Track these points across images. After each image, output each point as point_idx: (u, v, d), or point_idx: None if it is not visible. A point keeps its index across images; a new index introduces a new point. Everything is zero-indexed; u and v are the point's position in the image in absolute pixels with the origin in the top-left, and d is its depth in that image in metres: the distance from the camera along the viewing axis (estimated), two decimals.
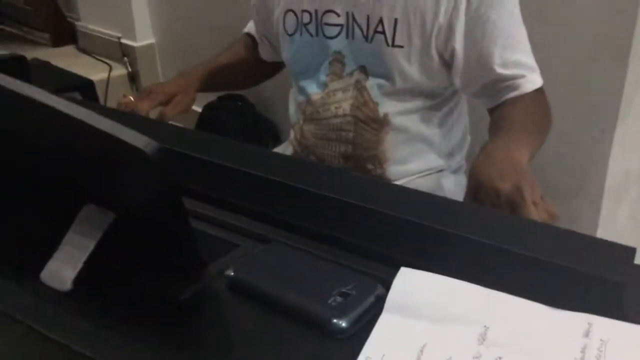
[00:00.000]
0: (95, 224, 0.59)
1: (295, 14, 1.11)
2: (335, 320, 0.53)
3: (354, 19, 1.05)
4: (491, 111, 1.06)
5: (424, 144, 1.14)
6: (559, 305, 0.53)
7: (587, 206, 1.51)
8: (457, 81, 1.06)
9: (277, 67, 1.33)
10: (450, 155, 1.17)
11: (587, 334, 0.50)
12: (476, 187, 0.80)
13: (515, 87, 1.02)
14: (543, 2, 1.40)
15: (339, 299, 0.54)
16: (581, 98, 1.43)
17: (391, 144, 1.11)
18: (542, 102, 1.04)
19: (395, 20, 1.02)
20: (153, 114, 1.19)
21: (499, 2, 1.00)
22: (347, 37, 1.07)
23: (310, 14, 1.09)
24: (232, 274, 0.59)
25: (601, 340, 0.49)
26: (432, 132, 1.13)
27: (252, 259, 0.61)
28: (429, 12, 1.01)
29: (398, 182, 1.14)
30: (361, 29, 1.05)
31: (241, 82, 1.36)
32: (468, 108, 1.20)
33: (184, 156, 0.75)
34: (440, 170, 1.17)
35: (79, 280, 0.58)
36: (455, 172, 1.20)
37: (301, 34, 1.11)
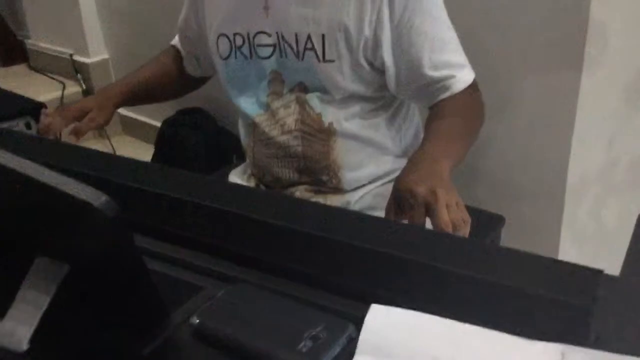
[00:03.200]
0: (49, 277, 0.56)
1: (228, 38, 1.11)
2: None
3: (283, 38, 1.06)
4: (429, 109, 1.09)
5: (375, 148, 1.14)
6: (529, 333, 0.52)
7: (550, 206, 1.52)
8: (391, 87, 1.07)
9: (201, 80, 1.35)
10: (404, 155, 1.18)
11: None
12: (396, 192, 0.85)
13: (447, 88, 1.04)
14: (498, 8, 1.41)
15: (309, 343, 0.53)
16: (539, 99, 1.45)
17: (342, 152, 1.11)
18: (473, 99, 1.07)
19: (323, 36, 1.03)
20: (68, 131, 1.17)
21: (420, 8, 1.01)
22: (280, 56, 1.08)
23: (243, 37, 1.10)
24: (197, 321, 0.56)
25: None
26: (381, 134, 1.14)
27: (216, 304, 0.59)
28: (353, 26, 1.02)
29: (358, 192, 1.14)
30: (292, 48, 1.06)
31: (164, 95, 1.37)
32: (420, 107, 1.21)
33: (140, 192, 0.73)
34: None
35: (35, 338, 0.55)
36: None
37: (235, 57, 1.12)
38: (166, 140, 2.17)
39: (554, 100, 1.43)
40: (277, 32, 1.06)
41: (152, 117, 2.42)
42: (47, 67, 2.63)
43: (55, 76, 2.57)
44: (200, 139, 2.14)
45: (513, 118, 1.48)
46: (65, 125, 1.15)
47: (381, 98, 1.12)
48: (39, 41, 2.68)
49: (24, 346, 0.54)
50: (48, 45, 2.64)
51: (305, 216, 0.67)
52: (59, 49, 2.60)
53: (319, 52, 1.04)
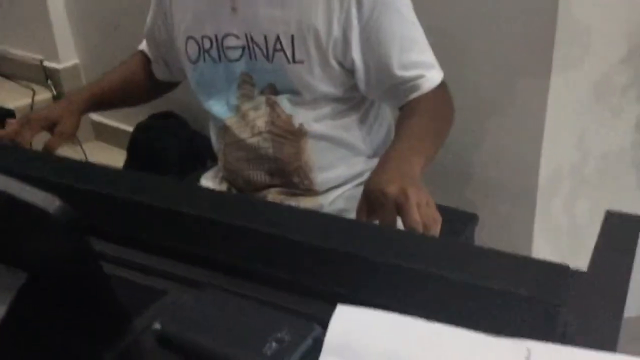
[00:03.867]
0: (6, 285, 0.54)
1: (196, 41, 1.10)
2: None
3: (252, 40, 1.05)
4: (399, 109, 1.08)
5: (346, 149, 1.14)
6: (497, 330, 0.52)
7: (523, 203, 1.53)
8: (361, 87, 1.07)
9: (171, 85, 1.33)
10: (376, 156, 1.17)
11: None
12: (367, 193, 0.85)
13: (416, 88, 1.04)
14: (467, 6, 1.42)
15: (274, 345, 0.52)
16: (509, 96, 1.46)
17: (312, 153, 1.11)
18: (442, 99, 1.07)
19: (292, 36, 1.02)
20: (37, 143, 1.15)
21: (388, 8, 1.01)
22: (249, 58, 1.07)
23: (211, 40, 1.08)
24: (160, 327, 0.55)
25: None
26: (351, 135, 1.14)
27: (179, 309, 0.57)
28: (322, 27, 1.01)
29: (331, 194, 1.14)
30: (261, 49, 1.05)
31: (132, 100, 1.34)
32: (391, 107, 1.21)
33: (100, 196, 0.71)
34: None
35: None
36: None
37: (204, 60, 1.11)
38: (139, 145, 2.14)
39: (525, 97, 1.44)
40: (245, 34, 1.05)
41: (124, 122, 2.39)
42: (17, 73, 2.58)
43: (25, 82, 2.52)
44: (173, 144, 2.12)
45: (484, 116, 1.49)
46: (32, 136, 1.13)
47: (352, 99, 1.11)
48: (8, 47, 2.64)
49: None
50: (17, 52, 2.60)
51: (270, 218, 0.67)
52: (28, 54, 2.56)
53: (289, 53, 1.03)
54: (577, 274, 0.58)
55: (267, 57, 1.05)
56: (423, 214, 0.79)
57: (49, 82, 2.49)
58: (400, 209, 0.80)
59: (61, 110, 1.17)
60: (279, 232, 0.63)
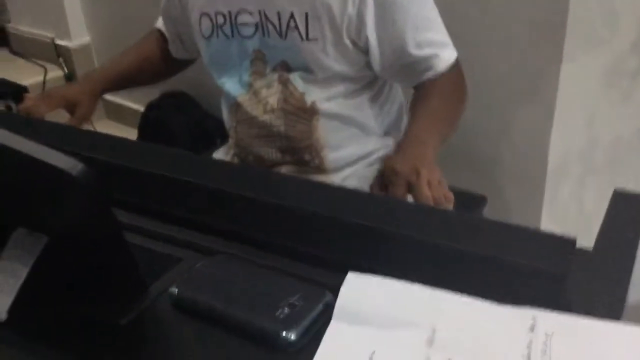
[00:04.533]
0: (28, 248, 0.56)
1: (210, 17, 1.10)
2: (284, 333, 0.52)
3: (266, 16, 1.05)
4: (414, 88, 1.09)
5: (357, 128, 1.15)
6: (504, 300, 0.53)
7: (531, 188, 1.54)
8: (375, 67, 1.07)
9: (186, 62, 1.33)
10: (386, 135, 1.18)
11: (532, 329, 0.50)
12: (382, 172, 0.89)
13: (431, 67, 1.05)
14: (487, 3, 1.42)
15: (286, 310, 0.53)
16: (520, 80, 1.46)
17: (324, 131, 1.11)
18: (456, 78, 1.08)
19: (306, 14, 1.02)
20: (51, 117, 1.16)
21: None
22: (262, 35, 1.07)
23: (224, 16, 1.09)
24: (176, 292, 0.57)
25: (546, 334, 0.50)
26: (363, 114, 1.14)
27: (195, 274, 0.59)
28: (336, 5, 1.01)
29: (341, 173, 1.15)
30: (274, 26, 1.05)
31: (149, 78, 1.35)
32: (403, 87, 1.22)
33: (118, 167, 0.73)
34: (383, 158, 1.18)
35: (14, 308, 0.55)
36: None
37: (217, 36, 1.11)
38: (150, 124, 2.16)
39: (536, 81, 1.44)
40: (259, 11, 1.06)
41: (135, 101, 2.41)
42: (29, 51, 2.60)
43: (37, 60, 2.54)
44: (184, 123, 2.14)
45: (494, 100, 1.49)
46: (49, 111, 1.14)
47: (364, 78, 1.12)
48: (21, 25, 2.65)
49: (3, 316, 0.55)
50: (29, 29, 2.61)
51: (283, 190, 0.68)
52: (40, 32, 2.57)
53: (302, 31, 1.03)
54: (582, 252, 0.59)
55: (280, 34, 1.05)
56: (434, 192, 0.83)
57: (61, 60, 2.51)
58: (411, 185, 0.83)
59: (81, 92, 1.18)
60: (291, 203, 0.64)
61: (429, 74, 1.05)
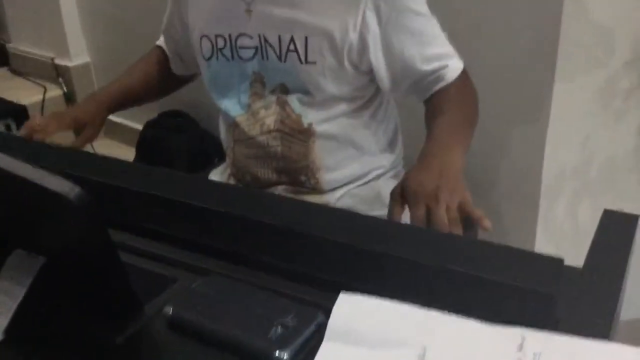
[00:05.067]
0: (25, 269, 0.57)
1: (210, 40, 1.12)
2: (277, 353, 0.53)
3: (266, 40, 1.07)
4: (425, 102, 1.10)
5: (354, 148, 1.16)
6: (494, 319, 0.54)
7: (525, 205, 1.55)
8: (384, 86, 1.09)
9: (187, 79, 1.35)
10: (382, 154, 1.19)
11: (520, 348, 0.51)
12: (404, 187, 0.88)
13: (441, 78, 1.06)
14: (476, 9, 1.44)
15: (279, 330, 0.54)
16: (514, 99, 1.48)
17: (320, 153, 1.13)
18: (467, 85, 1.09)
19: (306, 38, 1.04)
20: (59, 139, 1.17)
21: (406, 8, 1.03)
22: (262, 58, 1.09)
23: (225, 39, 1.10)
24: (171, 312, 0.58)
25: (534, 353, 0.51)
26: (360, 134, 1.15)
27: (190, 295, 0.60)
28: (337, 31, 1.03)
29: (336, 193, 1.16)
30: (274, 50, 1.07)
31: (152, 96, 1.36)
32: (398, 104, 1.23)
33: (115, 188, 0.74)
34: (378, 177, 1.19)
35: (11, 328, 0.56)
36: (393, 176, 1.22)
37: (217, 59, 1.13)
38: (147, 143, 2.17)
39: (529, 100, 1.46)
40: (259, 35, 1.07)
41: (133, 120, 2.42)
42: (29, 70, 2.62)
43: (36, 80, 2.56)
44: (182, 142, 2.15)
45: (488, 118, 1.50)
46: (59, 131, 1.14)
47: (361, 98, 1.13)
48: (21, 45, 2.67)
49: (0, 336, 0.56)
50: (29, 49, 2.64)
51: (277, 211, 0.69)
52: (40, 52, 2.59)
53: (302, 54, 1.05)
54: (572, 270, 0.60)
55: (279, 57, 1.06)
56: (450, 216, 0.82)
57: (60, 79, 2.53)
58: (429, 210, 0.83)
59: (90, 112, 1.19)
60: (285, 224, 0.65)
61: (440, 85, 1.06)
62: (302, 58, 1.05)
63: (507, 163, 1.54)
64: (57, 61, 2.53)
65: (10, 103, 1.82)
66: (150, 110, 2.23)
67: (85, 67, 2.53)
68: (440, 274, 0.58)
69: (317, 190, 1.16)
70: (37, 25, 2.57)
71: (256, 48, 1.08)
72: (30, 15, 2.56)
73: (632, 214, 0.71)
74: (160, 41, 1.31)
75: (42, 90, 2.48)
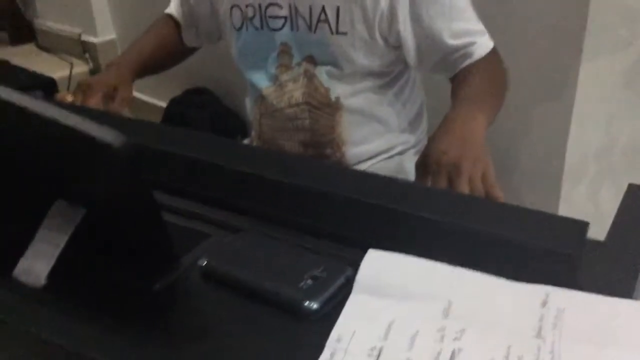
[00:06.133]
0: (67, 219, 0.59)
1: (240, 9, 1.13)
2: (307, 303, 0.55)
3: (296, 10, 1.07)
4: (451, 79, 1.09)
5: (379, 124, 1.17)
6: (518, 279, 0.56)
7: (547, 187, 1.55)
8: (411, 60, 1.08)
9: (193, 50, 1.35)
10: (407, 131, 1.20)
11: (544, 304, 0.53)
12: (425, 157, 0.86)
13: (469, 55, 1.05)
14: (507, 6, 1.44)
15: (309, 282, 0.56)
16: (539, 80, 1.47)
17: (347, 127, 1.14)
18: (496, 63, 1.08)
19: (337, 8, 1.04)
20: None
21: None
22: (291, 28, 1.09)
23: (254, 8, 1.11)
24: (205, 263, 0.60)
25: (558, 309, 0.52)
26: (385, 110, 1.16)
27: (224, 248, 0.62)
28: (369, 0, 1.02)
29: (360, 166, 1.17)
30: (304, 20, 1.07)
31: (167, 65, 1.35)
32: (424, 83, 1.23)
33: (151, 150, 0.76)
34: (402, 153, 1.20)
35: (52, 275, 0.58)
36: (417, 152, 1.23)
37: (247, 28, 1.13)
38: (172, 120, 2.20)
39: (554, 81, 1.45)
40: (289, 4, 1.08)
41: (158, 97, 2.45)
42: (55, 46, 2.66)
43: (63, 55, 2.59)
44: (205, 119, 2.17)
45: (511, 100, 1.50)
46: (96, 101, 1.13)
47: (389, 74, 1.13)
48: (47, 21, 2.71)
49: (42, 281, 0.58)
50: (56, 25, 2.67)
51: (307, 172, 0.71)
52: (67, 28, 2.62)
53: (332, 24, 1.05)
54: (595, 242, 0.61)
55: (310, 27, 1.07)
56: (473, 187, 0.80)
57: (87, 55, 2.56)
58: (451, 180, 0.81)
59: (118, 77, 1.18)
60: (315, 185, 0.67)
61: (467, 62, 1.05)
62: (333, 28, 1.05)
63: (530, 144, 1.54)
64: (84, 37, 2.56)
65: (39, 76, 1.85)
66: (175, 87, 2.25)
67: (111, 43, 2.56)
68: (466, 234, 0.60)
69: (341, 163, 1.18)
70: (64, 1, 2.60)
71: (285, 18, 1.09)
72: None
73: None
74: (172, 9, 1.30)
75: (69, 66, 2.51)
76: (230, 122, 2.20)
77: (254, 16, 1.12)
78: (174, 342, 0.54)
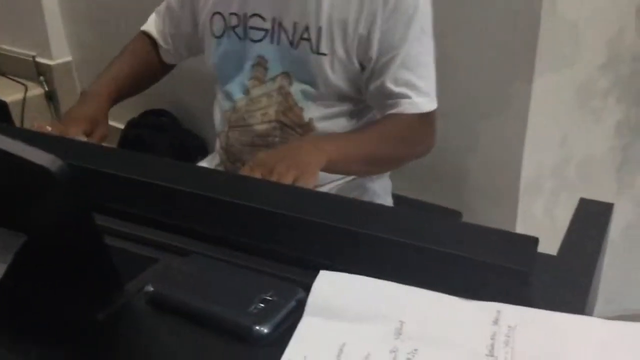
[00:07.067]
0: (6, 246, 0.57)
1: (223, 17, 1.12)
2: (257, 327, 0.53)
3: (280, 25, 1.07)
4: None
5: None
6: (469, 297, 0.55)
7: (504, 203, 1.57)
8: (362, 86, 1.09)
9: (170, 68, 1.33)
10: None
11: (496, 322, 0.52)
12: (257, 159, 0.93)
13: (396, 106, 1.06)
14: (453, 6, 1.46)
15: (260, 305, 0.55)
16: (492, 98, 1.50)
17: None
18: (419, 126, 1.08)
19: (320, 28, 1.05)
20: None
21: (409, 20, 1.03)
22: (271, 42, 1.09)
23: (238, 17, 1.11)
24: (152, 289, 0.58)
25: (509, 326, 0.52)
26: None
27: (170, 272, 0.60)
28: (351, 23, 1.04)
29: (324, 188, 1.16)
30: (287, 35, 1.07)
31: (144, 86, 1.32)
32: None
33: (95, 172, 0.74)
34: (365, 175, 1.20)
35: None
36: (380, 176, 1.23)
37: (228, 37, 1.13)
38: (130, 142, 2.17)
39: (508, 99, 1.48)
40: (274, 18, 1.08)
41: (115, 119, 2.41)
42: (9, 69, 2.60)
43: (17, 78, 2.54)
44: (163, 141, 2.15)
45: (467, 116, 1.53)
46: (79, 135, 1.07)
47: (363, 101, 1.14)
48: (1, 43, 2.65)
49: None
50: (10, 47, 2.62)
51: (257, 193, 0.70)
52: (21, 50, 2.57)
53: (314, 43, 1.06)
54: (547, 256, 0.61)
55: (291, 43, 1.07)
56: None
57: (41, 78, 2.51)
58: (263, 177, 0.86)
59: (98, 110, 1.13)
60: (265, 206, 0.65)
61: (393, 111, 1.06)
62: (314, 47, 1.06)
63: (486, 161, 1.56)
64: (39, 59, 2.52)
65: None
66: (132, 109, 2.22)
67: (66, 65, 2.52)
68: (418, 252, 0.59)
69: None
70: (18, 23, 2.55)
71: (267, 31, 1.09)
72: (12, 14, 2.54)
73: (607, 202, 0.72)
74: (149, 25, 1.28)
75: (23, 88, 2.46)
76: (189, 144, 2.18)
77: (237, 25, 1.11)
78: None
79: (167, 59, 1.30)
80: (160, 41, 1.27)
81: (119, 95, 1.21)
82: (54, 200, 0.52)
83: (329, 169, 0.96)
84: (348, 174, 1.12)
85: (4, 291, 0.56)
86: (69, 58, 2.53)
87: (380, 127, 1.07)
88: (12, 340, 0.55)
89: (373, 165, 1.08)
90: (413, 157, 1.13)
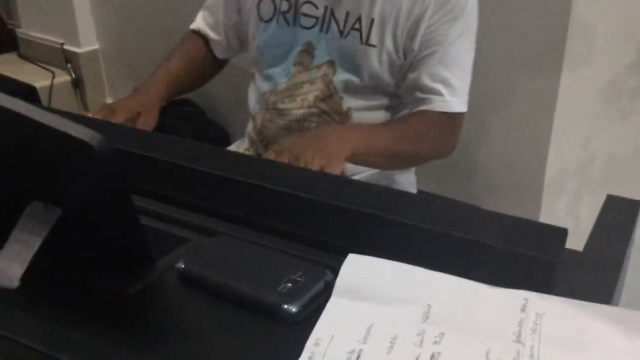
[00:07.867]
0: (42, 220, 0.58)
1: (274, 2, 1.13)
2: (285, 306, 0.54)
3: (332, 14, 1.08)
4: None
5: None
6: (496, 284, 0.56)
7: (527, 202, 1.56)
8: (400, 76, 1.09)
9: (223, 64, 1.32)
10: None
11: (523, 309, 0.53)
12: (280, 142, 0.95)
13: (427, 102, 1.06)
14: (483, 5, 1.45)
15: (288, 285, 0.56)
16: (519, 95, 1.49)
17: None
18: (444, 127, 1.09)
19: (372, 20, 1.05)
20: None
21: (455, 19, 1.04)
22: (320, 30, 1.10)
23: (290, 3, 1.11)
24: (183, 266, 0.59)
25: (537, 314, 0.52)
26: None
27: (202, 251, 0.61)
28: (403, 16, 1.05)
29: (355, 177, 1.17)
30: (338, 24, 1.08)
31: (195, 85, 1.31)
32: None
33: (130, 154, 0.75)
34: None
35: (26, 277, 0.57)
36: (405, 170, 1.24)
37: (277, 22, 1.13)
38: (155, 131, 2.18)
39: (534, 96, 1.47)
40: (326, 6, 1.08)
41: None
42: (37, 56, 2.63)
43: (45, 65, 2.57)
44: (188, 131, 2.16)
45: (493, 114, 1.52)
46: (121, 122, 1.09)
47: (401, 96, 1.14)
48: (30, 30, 2.69)
49: (16, 284, 0.57)
50: (39, 34, 2.65)
51: (288, 177, 0.71)
52: (49, 38, 2.61)
53: (364, 34, 1.06)
54: (573, 253, 0.61)
55: (341, 32, 1.08)
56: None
57: (69, 65, 2.55)
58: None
59: (141, 105, 1.13)
60: (296, 191, 0.66)
61: (423, 107, 1.06)
62: (364, 38, 1.06)
63: (511, 159, 1.56)
64: (66, 47, 2.55)
65: (20, 83, 1.84)
66: None
67: (93, 53, 2.55)
68: (446, 240, 0.59)
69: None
70: (47, 10, 2.58)
71: (317, 19, 1.09)
72: (41, 1, 2.58)
73: (634, 200, 0.72)
74: (198, 23, 1.27)
75: (51, 75, 2.49)
76: (212, 134, 2.19)
77: (287, 10, 1.11)
78: (150, 346, 0.53)
79: (219, 52, 1.27)
80: (211, 34, 1.25)
81: (171, 93, 1.20)
82: (93, 174, 0.53)
83: (352, 160, 0.96)
84: (370, 166, 1.12)
85: (39, 264, 0.57)
86: (96, 46, 2.55)
87: (407, 123, 1.08)
88: (46, 313, 0.56)
89: (394, 160, 1.08)
90: (434, 157, 1.14)
